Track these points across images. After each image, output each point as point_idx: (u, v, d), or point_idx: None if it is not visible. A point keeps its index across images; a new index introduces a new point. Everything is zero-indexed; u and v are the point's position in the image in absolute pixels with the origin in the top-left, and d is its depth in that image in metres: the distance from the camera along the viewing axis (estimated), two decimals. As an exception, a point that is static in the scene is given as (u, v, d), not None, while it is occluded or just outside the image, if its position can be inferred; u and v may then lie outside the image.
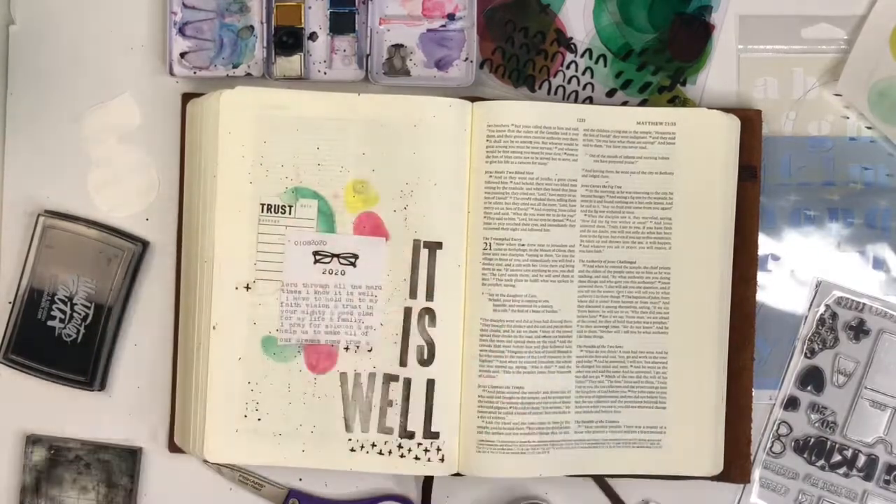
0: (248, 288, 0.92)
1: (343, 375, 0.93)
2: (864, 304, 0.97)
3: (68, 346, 0.96)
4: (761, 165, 0.96)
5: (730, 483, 0.96)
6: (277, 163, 0.93)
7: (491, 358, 0.93)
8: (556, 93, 0.98)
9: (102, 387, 0.97)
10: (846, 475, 0.97)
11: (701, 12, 0.98)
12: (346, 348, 0.93)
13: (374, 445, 0.93)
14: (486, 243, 0.93)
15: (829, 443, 0.97)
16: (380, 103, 0.93)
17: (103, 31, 0.97)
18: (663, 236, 0.94)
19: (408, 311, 0.93)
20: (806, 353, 0.97)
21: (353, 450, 0.93)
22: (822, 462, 0.97)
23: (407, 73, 0.97)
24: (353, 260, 0.93)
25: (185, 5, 0.96)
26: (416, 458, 0.93)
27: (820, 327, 0.97)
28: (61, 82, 0.97)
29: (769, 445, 0.97)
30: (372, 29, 0.96)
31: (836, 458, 0.97)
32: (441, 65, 0.97)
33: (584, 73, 0.98)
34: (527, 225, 0.93)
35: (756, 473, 0.97)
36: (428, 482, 0.96)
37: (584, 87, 0.98)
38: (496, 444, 0.93)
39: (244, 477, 0.96)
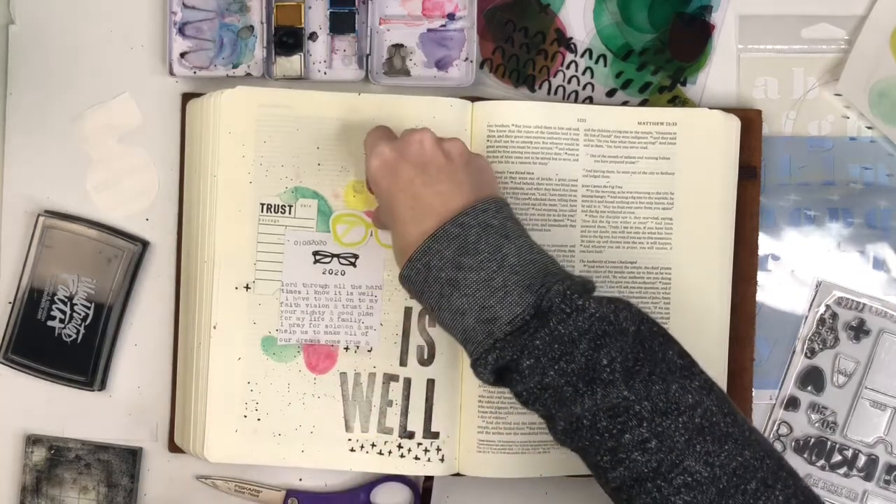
0: (247, 288, 0.92)
1: (343, 375, 0.93)
2: (864, 304, 0.97)
3: (68, 346, 0.96)
4: (761, 165, 0.96)
5: (730, 483, 0.96)
6: (277, 163, 0.93)
7: (491, 358, 0.92)
8: (556, 93, 0.98)
9: (102, 387, 0.96)
10: (846, 475, 0.97)
11: (701, 12, 0.98)
12: (346, 348, 0.93)
13: (373, 445, 0.93)
14: (487, 243, 0.93)
15: (829, 443, 0.97)
16: (380, 103, 0.93)
17: (103, 31, 0.97)
18: (664, 236, 0.94)
19: (408, 311, 0.93)
20: (806, 353, 0.97)
21: (352, 450, 0.93)
22: (822, 462, 0.97)
23: (407, 73, 0.97)
24: (352, 260, 0.93)
25: (185, 5, 0.96)
26: (416, 458, 0.93)
27: (820, 327, 0.97)
28: (61, 82, 0.97)
29: (769, 445, 0.97)
30: (372, 29, 0.96)
31: (837, 458, 0.97)
32: (441, 65, 0.97)
33: (584, 73, 0.98)
34: (527, 225, 0.92)
35: (756, 473, 0.97)
36: (428, 482, 0.96)
37: (584, 87, 0.98)
38: (496, 444, 0.93)
39: (240, 487, 0.96)
